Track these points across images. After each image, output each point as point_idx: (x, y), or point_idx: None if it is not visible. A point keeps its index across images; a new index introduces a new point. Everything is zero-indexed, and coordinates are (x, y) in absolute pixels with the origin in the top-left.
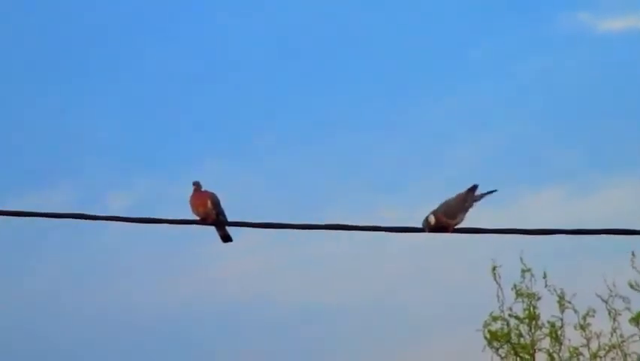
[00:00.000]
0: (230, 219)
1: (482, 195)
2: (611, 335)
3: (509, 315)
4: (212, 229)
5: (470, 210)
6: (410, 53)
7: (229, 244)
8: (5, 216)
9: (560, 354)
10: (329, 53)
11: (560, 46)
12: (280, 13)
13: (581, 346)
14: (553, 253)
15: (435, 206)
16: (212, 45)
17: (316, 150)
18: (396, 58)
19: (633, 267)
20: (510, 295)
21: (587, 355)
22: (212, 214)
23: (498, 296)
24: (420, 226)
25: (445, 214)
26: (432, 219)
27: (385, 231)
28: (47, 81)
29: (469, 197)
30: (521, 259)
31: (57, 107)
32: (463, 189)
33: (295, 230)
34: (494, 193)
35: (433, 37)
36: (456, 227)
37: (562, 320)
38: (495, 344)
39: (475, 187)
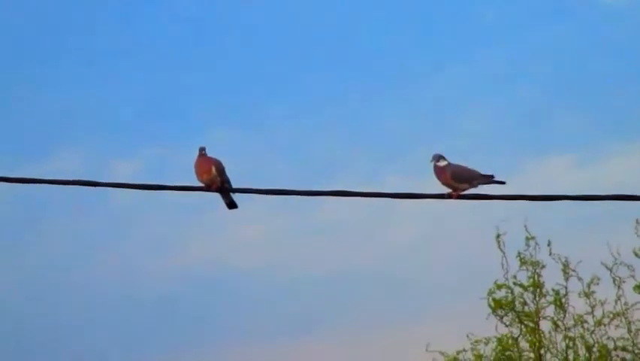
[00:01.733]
0: (237, 186)
1: (490, 182)
2: (616, 303)
3: (514, 283)
4: (217, 195)
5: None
6: (418, 20)
7: (235, 210)
8: (12, 184)
9: (565, 322)
10: (336, 16)
11: (570, 14)
12: None
13: (586, 314)
14: (557, 220)
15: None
16: (223, 14)
17: (324, 119)
18: (403, 25)
19: (638, 235)
20: (514, 263)
21: (592, 322)
22: (216, 181)
23: (502, 264)
24: (422, 192)
25: (453, 173)
26: (443, 164)
27: (387, 197)
28: (53, 53)
29: (481, 179)
30: (525, 226)
31: (62, 78)
32: (470, 156)
33: (301, 196)
34: (501, 178)
35: (441, 5)
36: (461, 193)
37: (566, 287)
38: (499, 311)
39: (491, 177)
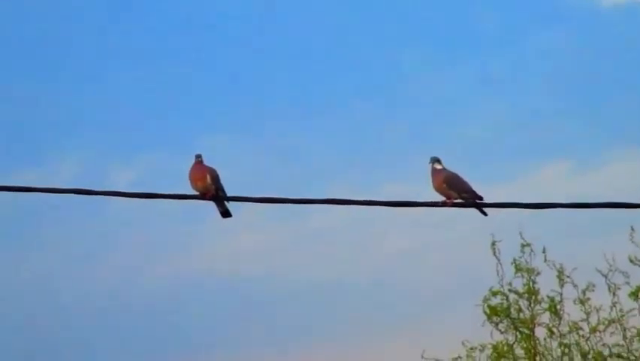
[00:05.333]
0: (232, 194)
1: (476, 203)
2: (611, 310)
3: (509, 290)
4: (211, 204)
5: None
6: (416, 25)
7: (229, 219)
8: (6, 192)
9: (560, 329)
10: (333, 20)
11: (568, 19)
12: None
13: (581, 320)
14: (552, 228)
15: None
16: (215, 19)
17: (320, 126)
18: (402, 30)
19: (633, 241)
20: (510, 270)
21: (587, 329)
22: (211, 189)
23: (497, 271)
24: (416, 200)
25: (446, 178)
26: (439, 167)
27: (381, 205)
28: (50, 59)
29: (470, 195)
30: (521, 234)
31: (60, 84)
32: (468, 162)
33: (295, 205)
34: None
35: (441, 9)
36: (455, 201)
37: (561, 294)
38: (495, 318)
39: (480, 198)
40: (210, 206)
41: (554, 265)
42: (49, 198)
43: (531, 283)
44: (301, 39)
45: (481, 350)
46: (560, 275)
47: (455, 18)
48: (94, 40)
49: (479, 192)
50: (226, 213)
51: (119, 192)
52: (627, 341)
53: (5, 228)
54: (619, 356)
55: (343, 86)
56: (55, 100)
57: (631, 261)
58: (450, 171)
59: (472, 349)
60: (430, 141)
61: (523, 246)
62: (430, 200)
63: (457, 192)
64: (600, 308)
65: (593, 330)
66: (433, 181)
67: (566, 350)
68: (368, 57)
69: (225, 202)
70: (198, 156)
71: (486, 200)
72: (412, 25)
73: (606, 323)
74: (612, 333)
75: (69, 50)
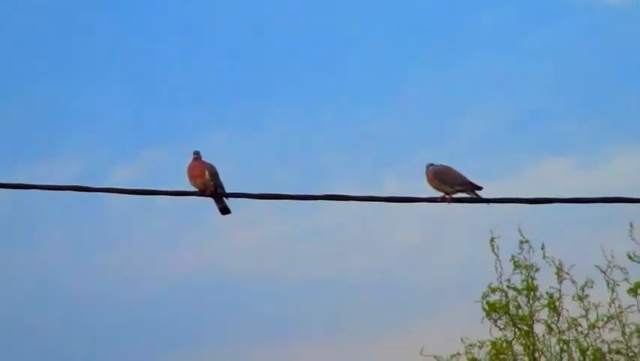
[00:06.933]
0: (231, 190)
1: (473, 195)
2: (610, 306)
3: (508, 286)
4: (211, 201)
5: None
6: (416, 23)
7: (229, 215)
8: (5, 190)
9: (559, 325)
10: (334, 20)
11: (569, 16)
12: None
13: (580, 317)
14: (551, 224)
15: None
16: (212, 15)
17: (321, 122)
18: (401, 28)
19: (632, 238)
20: (508, 266)
21: (586, 326)
22: (210, 186)
23: (496, 268)
24: (416, 195)
25: (434, 172)
26: (430, 170)
27: (381, 201)
28: (52, 56)
29: (467, 187)
30: (519, 230)
31: (60, 81)
32: (469, 159)
33: (295, 201)
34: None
35: (443, 6)
36: (454, 197)
37: (560, 291)
38: (493, 315)
39: (479, 188)
40: (209, 203)
41: (553, 261)
42: (49, 196)
43: (530, 280)
44: (302, 34)
45: (480, 347)
46: (559, 272)
47: (454, 15)
48: (93, 38)
49: (477, 183)
50: (225, 210)
51: (118, 189)
52: (626, 337)
53: (5, 225)
54: (618, 352)
55: (345, 81)
56: (57, 98)
57: (630, 257)
58: (439, 165)
59: (470, 345)
60: (431, 137)
61: (521, 242)
62: (430, 196)
63: (450, 186)
64: (599, 305)
65: (592, 326)
66: (427, 180)
67: (565, 347)
68: (370, 53)
69: (224, 199)
70: (196, 153)
71: (485, 195)
72: (414, 22)
73: (605, 319)
74: (611, 329)
75: (70, 48)
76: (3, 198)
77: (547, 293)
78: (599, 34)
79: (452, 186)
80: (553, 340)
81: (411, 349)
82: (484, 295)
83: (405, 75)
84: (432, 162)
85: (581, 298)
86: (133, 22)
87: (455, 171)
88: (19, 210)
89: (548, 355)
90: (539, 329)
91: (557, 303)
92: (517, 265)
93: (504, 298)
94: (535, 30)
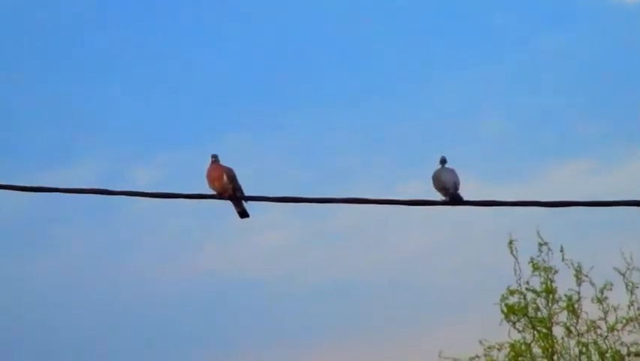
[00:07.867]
0: (250, 193)
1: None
2: (629, 308)
3: (526, 289)
4: (229, 204)
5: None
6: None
7: (247, 219)
8: (30, 193)
9: (577, 327)
10: (354, 25)
11: (583, 18)
12: None
13: (599, 319)
14: (570, 226)
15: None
16: (236, 18)
17: (341, 125)
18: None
19: None
20: (527, 268)
21: (605, 328)
22: (228, 189)
23: (515, 270)
24: (435, 199)
25: (433, 177)
26: (438, 167)
27: (398, 204)
28: (73, 60)
29: (446, 194)
30: (538, 232)
31: (81, 85)
32: (487, 162)
33: (314, 204)
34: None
35: (459, 9)
36: (472, 200)
37: (579, 293)
38: (512, 317)
39: (457, 198)
40: (228, 206)
41: (572, 263)
42: (68, 199)
43: (549, 282)
44: (321, 38)
45: (499, 349)
46: (578, 274)
47: (473, 19)
48: (115, 44)
49: (460, 192)
50: (244, 214)
51: (138, 192)
52: None
53: (25, 228)
54: (637, 354)
55: (363, 84)
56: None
57: None
58: (438, 169)
59: (489, 348)
60: (451, 140)
61: (540, 245)
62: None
63: (439, 190)
64: (618, 307)
65: (611, 329)
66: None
67: (584, 349)
68: (388, 57)
69: (243, 202)
70: (214, 156)
71: (503, 198)
72: (429, 25)
73: (624, 321)
74: (630, 332)
75: (94, 52)
76: (26, 201)
77: (566, 296)
78: (614, 35)
79: (439, 190)
80: (572, 342)
81: (429, 351)
82: (503, 298)
83: (424, 78)
84: (444, 155)
85: (600, 301)
86: (157, 27)
87: (443, 176)
88: (41, 213)
89: (567, 357)
90: (558, 331)
91: (576, 305)
92: (535, 268)
93: (523, 301)
94: (552, 32)
